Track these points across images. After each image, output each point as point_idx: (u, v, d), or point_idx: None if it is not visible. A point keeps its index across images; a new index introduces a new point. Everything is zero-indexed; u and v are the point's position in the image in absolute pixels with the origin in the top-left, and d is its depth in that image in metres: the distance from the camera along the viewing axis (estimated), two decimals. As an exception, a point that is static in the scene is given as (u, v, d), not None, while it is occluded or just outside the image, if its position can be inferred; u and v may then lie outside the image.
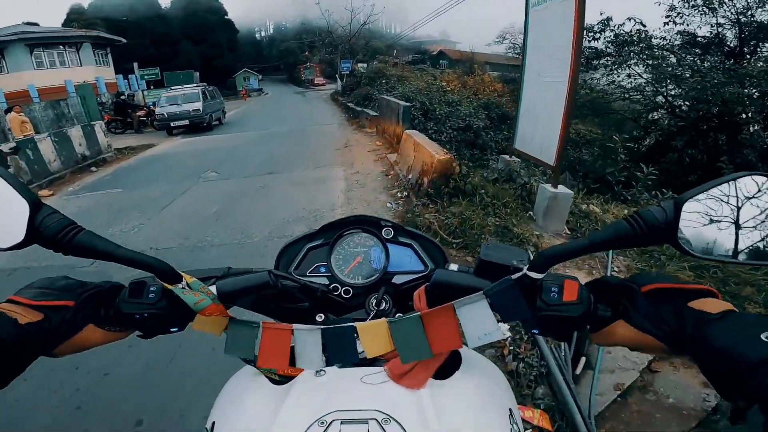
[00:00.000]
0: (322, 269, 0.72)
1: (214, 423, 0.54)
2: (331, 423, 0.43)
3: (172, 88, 16.74)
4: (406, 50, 50.68)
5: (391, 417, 0.44)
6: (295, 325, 0.51)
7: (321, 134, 11.53)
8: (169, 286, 0.48)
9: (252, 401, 0.54)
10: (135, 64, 27.10)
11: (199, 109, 13.91)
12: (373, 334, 0.51)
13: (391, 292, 0.69)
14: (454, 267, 0.60)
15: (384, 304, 0.67)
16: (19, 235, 0.42)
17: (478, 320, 0.48)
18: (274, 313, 0.65)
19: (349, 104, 16.72)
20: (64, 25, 32.30)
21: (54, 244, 0.42)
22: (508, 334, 2.32)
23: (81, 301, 0.49)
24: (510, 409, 0.55)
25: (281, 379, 0.56)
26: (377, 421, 0.43)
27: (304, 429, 0.43)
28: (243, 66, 56.81)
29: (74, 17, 35.78)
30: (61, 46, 23.06)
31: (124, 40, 27.99)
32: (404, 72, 21.20)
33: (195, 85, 16.50)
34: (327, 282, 0.70)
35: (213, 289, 0.52)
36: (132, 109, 16.25)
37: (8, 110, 9.73)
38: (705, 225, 0.41)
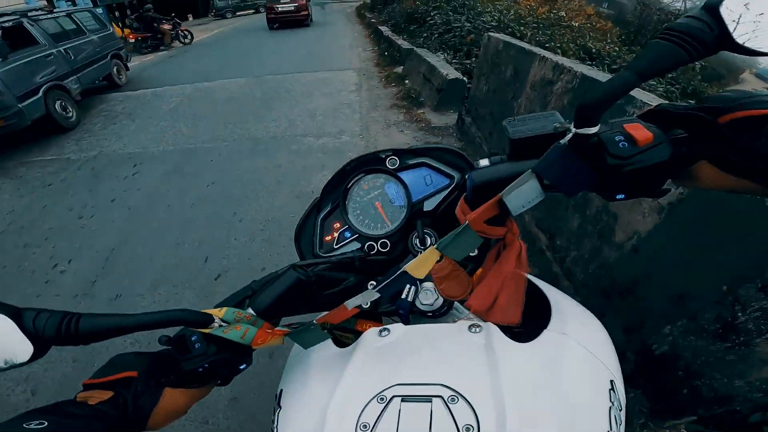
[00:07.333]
0: (347, 234, 0.64)
1: (281, 391, 0.52)
2: (391, 399, 0.40)
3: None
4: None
5: (459, 394, 0.38)
6: (348, 302, 0.47)
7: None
8: (206, 331, 0.46)
9: (316, 370, 0.51)
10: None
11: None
12: (427, 268, 0.46)
13: (430, 223, 0.61)
14: (484, 162, 0.49)
15: (428, 239, 0.60)
16: (28, 347, 0.38)
17: (526, 197, 0.41)
18: (327, 305, 0.53)
19: (380, 27, 9.30)
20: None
21: (66, 341, 0.39)
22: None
23: (144, 369, 0.47)
24: (612, 381, 0.45)
25: (349, 338, 0.54)
26: (443, 399, 0.38)
27: (362, 405, 0.40)
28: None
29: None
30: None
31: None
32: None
33: None
34: (359, 245, 0.62)
35: (250, 311, 0.48)
36: (157, 23, 12.53)
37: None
38: (750, 21, 0.36)
